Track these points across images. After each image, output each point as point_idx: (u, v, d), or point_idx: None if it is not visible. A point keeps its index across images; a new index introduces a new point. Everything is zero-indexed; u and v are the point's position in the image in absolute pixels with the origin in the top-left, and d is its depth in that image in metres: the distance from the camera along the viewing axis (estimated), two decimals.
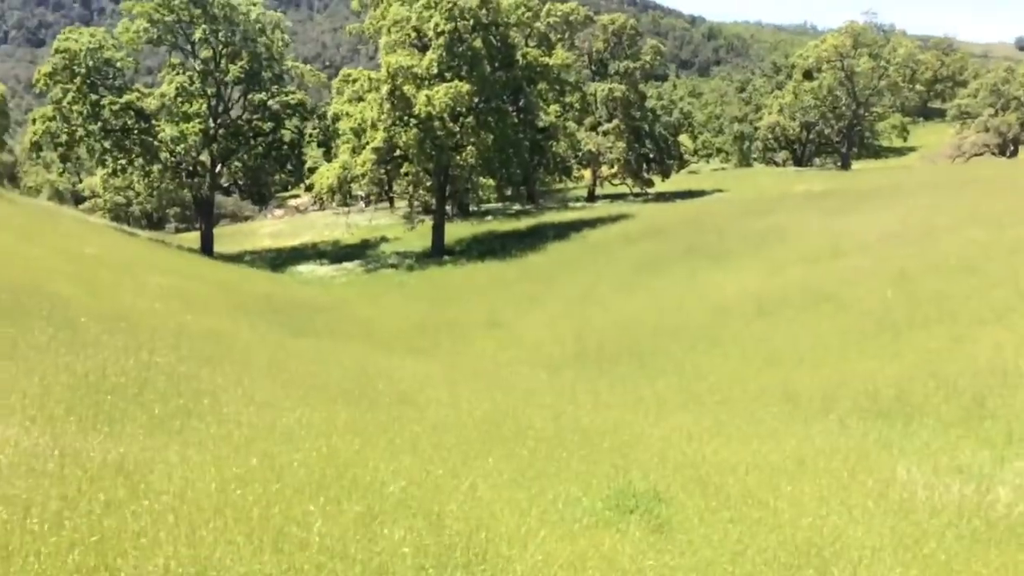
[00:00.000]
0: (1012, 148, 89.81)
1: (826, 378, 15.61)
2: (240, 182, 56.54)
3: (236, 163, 53.37)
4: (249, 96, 51.90)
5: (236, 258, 50.85)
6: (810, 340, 18.85)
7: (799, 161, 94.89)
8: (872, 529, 7.82)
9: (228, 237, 61.47)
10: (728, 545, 7.07)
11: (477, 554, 5.95)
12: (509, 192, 56.51)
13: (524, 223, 52.82)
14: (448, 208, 53.42)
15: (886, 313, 19.17)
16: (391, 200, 68.93)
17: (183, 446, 7.65)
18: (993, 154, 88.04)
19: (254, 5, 50.50)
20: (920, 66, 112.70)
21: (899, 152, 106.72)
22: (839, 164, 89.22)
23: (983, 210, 29.22)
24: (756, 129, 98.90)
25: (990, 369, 14.01)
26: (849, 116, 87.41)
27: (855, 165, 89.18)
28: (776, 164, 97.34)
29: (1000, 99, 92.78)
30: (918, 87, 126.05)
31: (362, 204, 68.12)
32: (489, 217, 59.72)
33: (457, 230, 52.36)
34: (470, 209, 63.03)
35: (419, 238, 50.21)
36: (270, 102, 51.82)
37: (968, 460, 10.47)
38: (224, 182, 56.05)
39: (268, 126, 52.65)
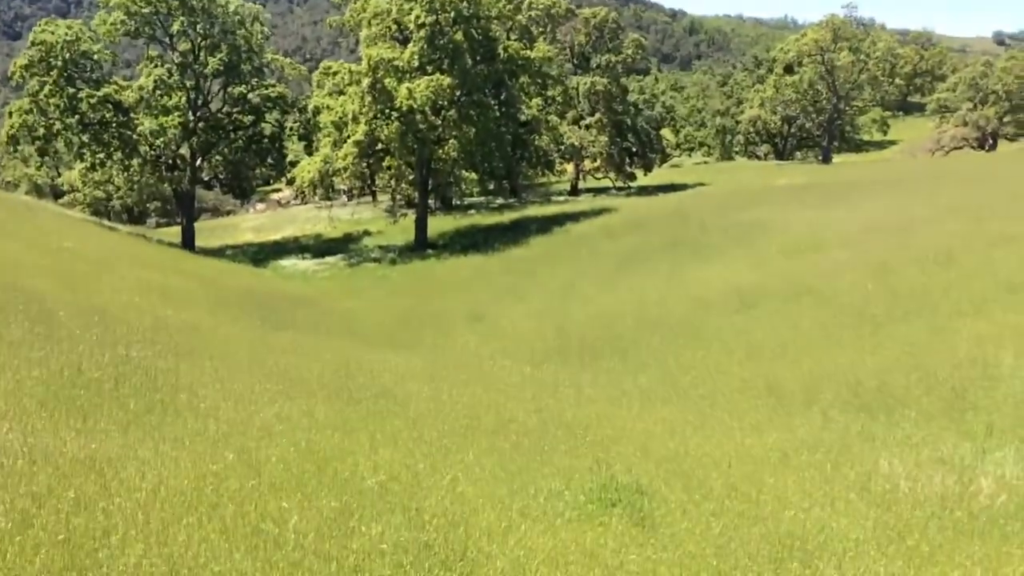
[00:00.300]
0: (991, 142, 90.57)
1: (808, 371, 15.62)
2: (221, 176, 56.00)
3: (216, 157, 52.88)
4: (229, 89, 51.41)
5: (217, 252, 50.47)
6: (792, 333, 18.86)
7: (781, 155, 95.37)
8: (855, 521, 7.79)
9: (209, 231, 61.00)
10: (711, 538, 7.02)
11: (456, 550, 5.86)
12: (492, 186, 56.36)
13: (507, 217, 52.68)
14: (431, 202, 53.21)
15: (867, 306, 19.22)
16: (374, 194, 68.68)
17: (158, 442, 7.50)
18: (972, 148, 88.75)
19: None
20: (899, 60, 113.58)
21: (880, 146, 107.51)
22: (820, 158, 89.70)
23: (962, 203, 29.42)
24: (738, 123, 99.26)
25: (970, 361, 14.06)
26: (830, 110, 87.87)
27: (836, 159, 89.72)
28: (758, 158, 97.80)
29: (979, 93, 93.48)
30: (898, 81, 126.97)
31: (344, 198, 67.81)
32: (472, 211, 59.56)
33: (440, 224, 52.18)
34: (453, 203, 62.84)
35: (402, 232, 49.98)
36: (250, 95, 51.36)
37: (950, 452, 10.48)
38: (205, 176, 55.49)
39: (248, 119, 52.17)
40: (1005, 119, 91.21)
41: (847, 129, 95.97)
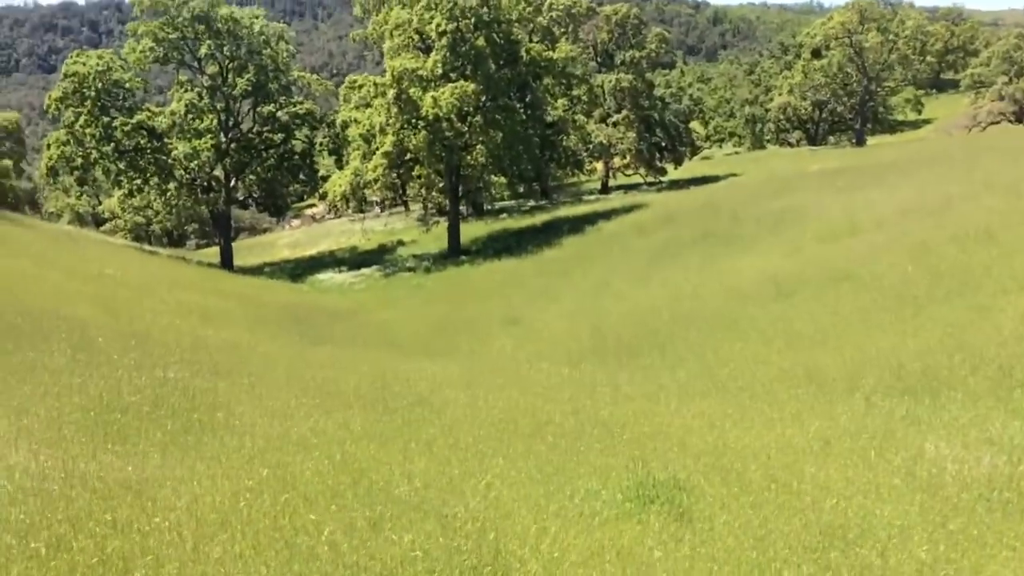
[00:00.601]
0: None
1: (849, 357, 15.35)
2: (255, 195, 56.80)
3: (250, 176, 53.61)
4: (258, 109, 52.12)
5: (256, 270, 51.10)
6: (831, 319, 18.56)
7: (813, 140, 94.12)
8: (900, 507, 7.63)
9: (247, 250, 61.81)
10: (751, 531, 6.91)
11: (487, 554, 5.83)
12: (522, 189, 56.38)
13: (538, 219, 52.65)
14: (462, 208, 53.36)
15: (907, 287, 18.86)
16: (405, 203, 68.98)
17: (195, 460, 7.58)
18: (1010, 122, 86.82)
19: (257, 18, 50.67)
20: (930, 37, 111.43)
21: (914, 125, 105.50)
22: (853, 141, 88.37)
23: (999, 179, 28.75)
24: (767, 111, 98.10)
25: (1016, 338, 13.74)
26: (861, 92, 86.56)
27: (870, 141, 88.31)
28: (790, 145, 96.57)
29: (1013, 66, 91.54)
30: (929, 59, 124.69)
31: (377, 209, 68.28)
32: (503, 215, 59.62)
33: (472, 229, 52.32)
34: (484, 208, 62.94)
35: (435, 240, 50.21)
36: (279, 113, 52.00)
37: (998, 432, 10.23)
38: (239, 196, 56.27)
39: (279, 137, 52.84)
40: None
41: (880, 110, 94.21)
